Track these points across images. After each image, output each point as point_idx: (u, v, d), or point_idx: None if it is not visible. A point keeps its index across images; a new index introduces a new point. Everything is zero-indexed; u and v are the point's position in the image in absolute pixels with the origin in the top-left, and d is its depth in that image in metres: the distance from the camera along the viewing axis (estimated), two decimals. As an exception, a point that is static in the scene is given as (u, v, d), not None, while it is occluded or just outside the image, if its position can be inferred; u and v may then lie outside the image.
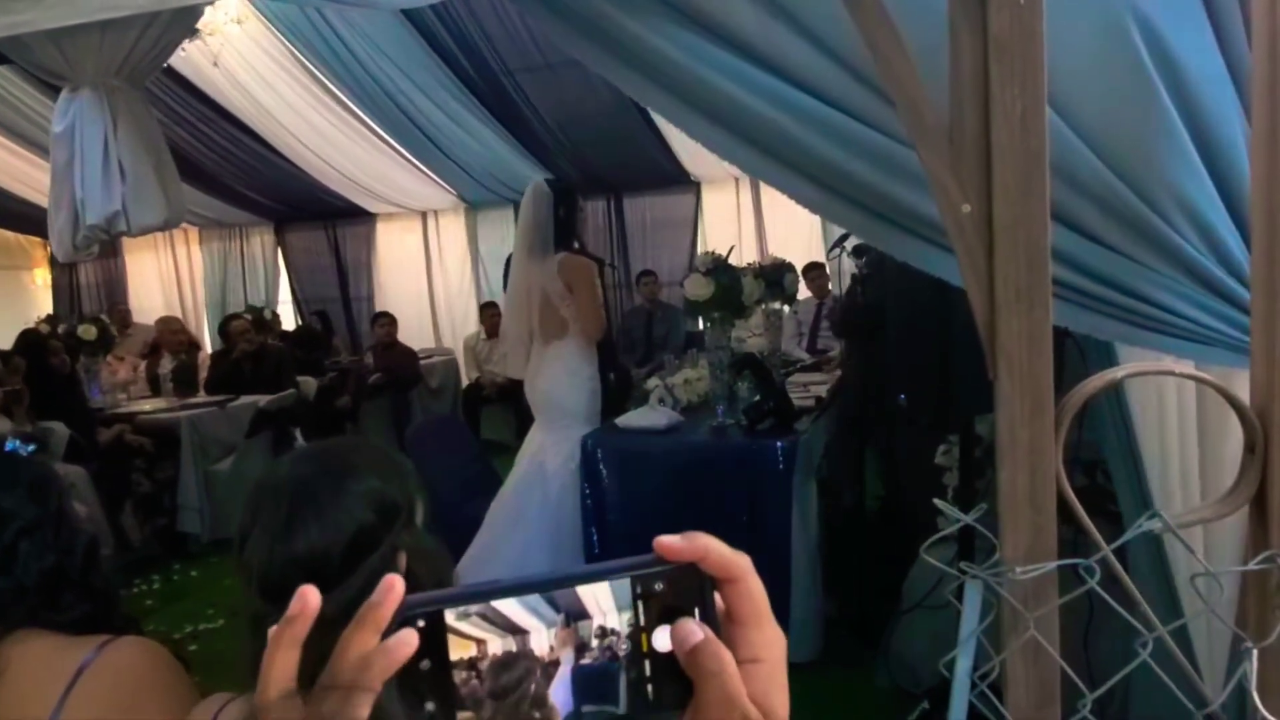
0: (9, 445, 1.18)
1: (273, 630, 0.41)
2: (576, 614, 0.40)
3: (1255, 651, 0.76)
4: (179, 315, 7.91)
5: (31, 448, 1.19)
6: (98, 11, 1.38)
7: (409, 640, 0.38)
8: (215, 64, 4.90)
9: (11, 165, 6.11)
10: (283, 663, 0.40)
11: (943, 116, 0.84)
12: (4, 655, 1.07)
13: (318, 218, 8.01)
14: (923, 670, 2.50)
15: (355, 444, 1.13)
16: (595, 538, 3.16)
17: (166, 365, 6.03)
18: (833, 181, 1.19)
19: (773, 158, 1.22)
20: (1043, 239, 0.79)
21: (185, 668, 1.20)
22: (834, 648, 3.00)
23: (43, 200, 6.40)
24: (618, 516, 3.15)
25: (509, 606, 0.40)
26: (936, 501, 0.86)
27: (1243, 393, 0.87)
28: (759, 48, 1.12)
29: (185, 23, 1.51)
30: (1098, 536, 0.79)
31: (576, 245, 3.38)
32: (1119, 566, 0.79)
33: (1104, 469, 2.37)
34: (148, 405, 5.26)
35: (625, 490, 3.15)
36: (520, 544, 3.22)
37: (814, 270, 6.13)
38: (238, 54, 4.89)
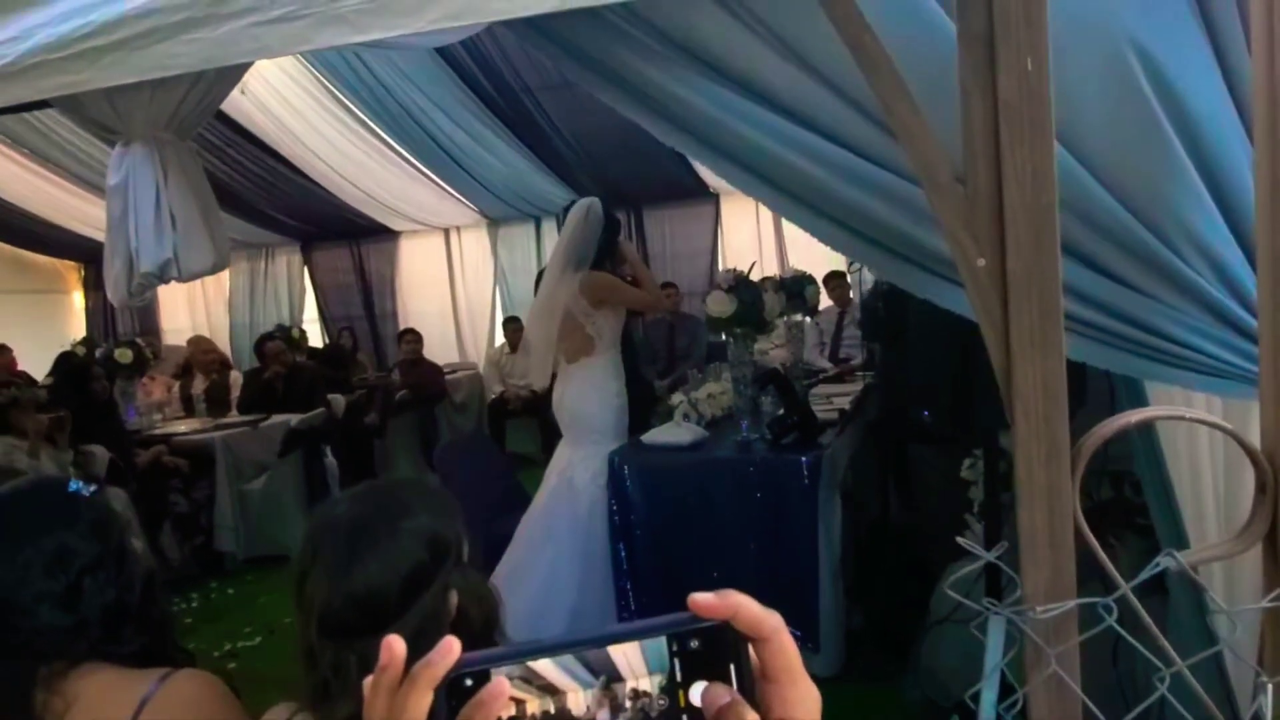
0: (72, 486, 1.24)
1: (367, 681, 0.44)
2: (612, 675, 0.42)
3: (1270, 686, 0.80)
4: (208, 335, 8.07)
5: (93, 488, 1.25)
6: (151, 71, 1.45)
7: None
8: (243, 92, 5.02)
9: (51, 195, 6.30)
10: (382, 709, 0.43)
11: (957, 171, 0.89)
12: (72, 688, 1.13)
13: (343, 236, 8.15)
14: (953, 684, 2.51)
15: (408, 483, 1.18)
16: (623, 553, 3.20)
17: (199, 385, 6.16)
18: (853, 221, 1.24)
19: (795, 199, 1.27)
20: (1055, 291, 0.83)
21: (236, 695, 1.26)
22: (862, 661, 3.02)
23: (78, 227, 6.59)
24: (645, 532, 3.19)
25: (547, 668, 0.42)
26: (960, 540, 0.90)
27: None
28: (784, 99, 1.17)
29: (231, 78, 1.59)
30: (1116, 576, 0.82)
31: (609, 266, 3.44)
32: (1138, 605, 0.83)
33: (1131, 481, 2.38)
34: (183, 426, 5.38)
35: (652, 506, 3.19)
36: (550, 560, 3.27)
37: (835, 279, 6.14)
38: (265, 82, 5.01)
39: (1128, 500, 2.34)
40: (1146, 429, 1.24)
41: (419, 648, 1.09)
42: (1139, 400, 1.31)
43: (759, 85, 1.18)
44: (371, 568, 0.98)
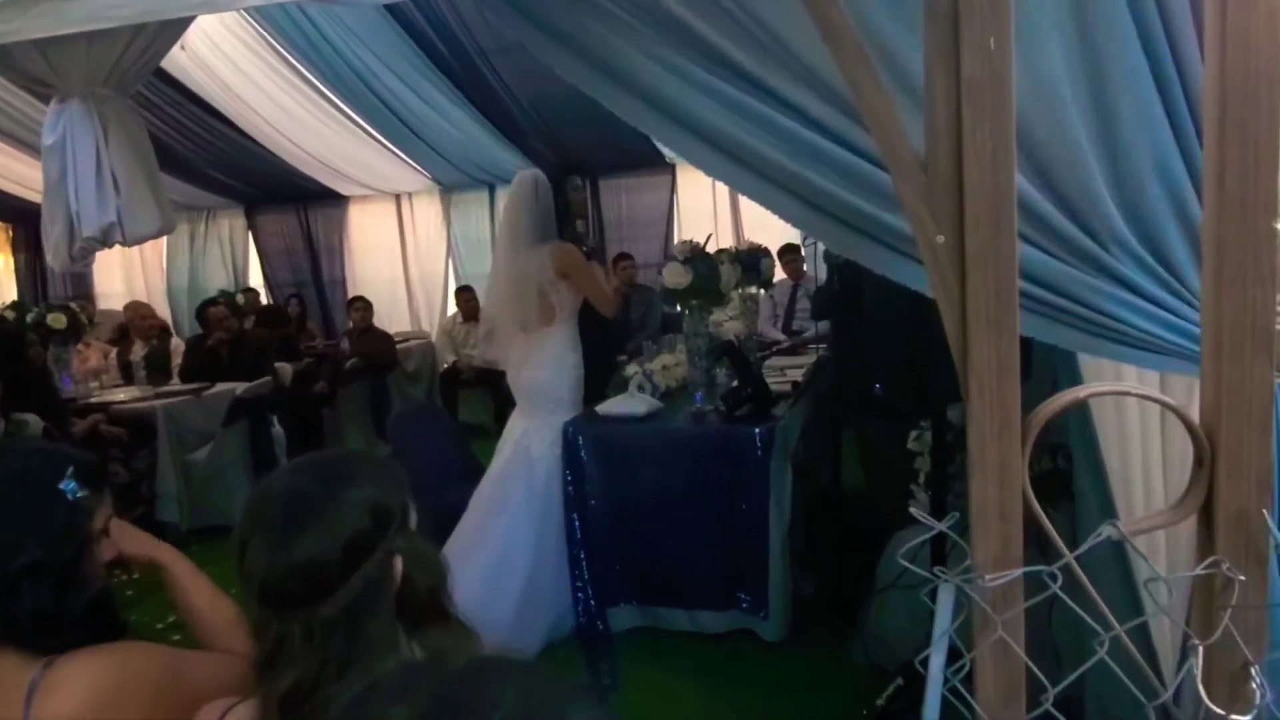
0: (64, 485, 1.15)
1: None
2: None
3: (1201, 649, 0.84)
4: (145, 299, 7.80)
5: (85, 493, 1.17)
6: (85, 22, 1.38)
7: None
8: (182, 47, 4.81)
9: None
10: None
11: (918, 150, 0.90)
12: None
13: (289, 200, 7.92)
14: (898, 648, 2.60)
15: (349, 454, 1.16)
16: (577, 523, 3.22)
17: (137, 352, 5.96)
18: (811, 197, 1.25)
19: (754, 173, 1.27)
20: (1011, 270, 0.85)
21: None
22: (812, 626, 3.10)
23: (6, 185, 6.21)
24: (599, 502, 3.21)
25: None
26: (913, 510, 0.93)
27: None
28: (748, 73, 1.17)
29: (173, 32, 1.52)
30: (1062, 546, 0.86)
31: (568, 234, 3.42)
32: (1081, 574, 0.86)
33: (1066, 453, 2.47)
34: (121, 394, 5.20)
35: (606, 476, 3.21)
36: (505, 530, 3.27)
37: (790, 253, 6.19)
38: (206, 37, 4.81)
39: (1063, 471, 2.43)
40: (1080, 405, 1.29)
41: (363, 615, 1.07)
42: (1074, 372, 1.35)
43: (723, 57, 1.17)
44: (311, 537, 0.96)
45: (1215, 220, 0.84)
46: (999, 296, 0.85)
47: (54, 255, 1.51)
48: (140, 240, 1.56)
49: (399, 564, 1.03)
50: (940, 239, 0.88)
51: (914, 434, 2.92)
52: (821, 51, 1.05)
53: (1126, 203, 1.12)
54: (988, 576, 0.85)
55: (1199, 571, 0.85)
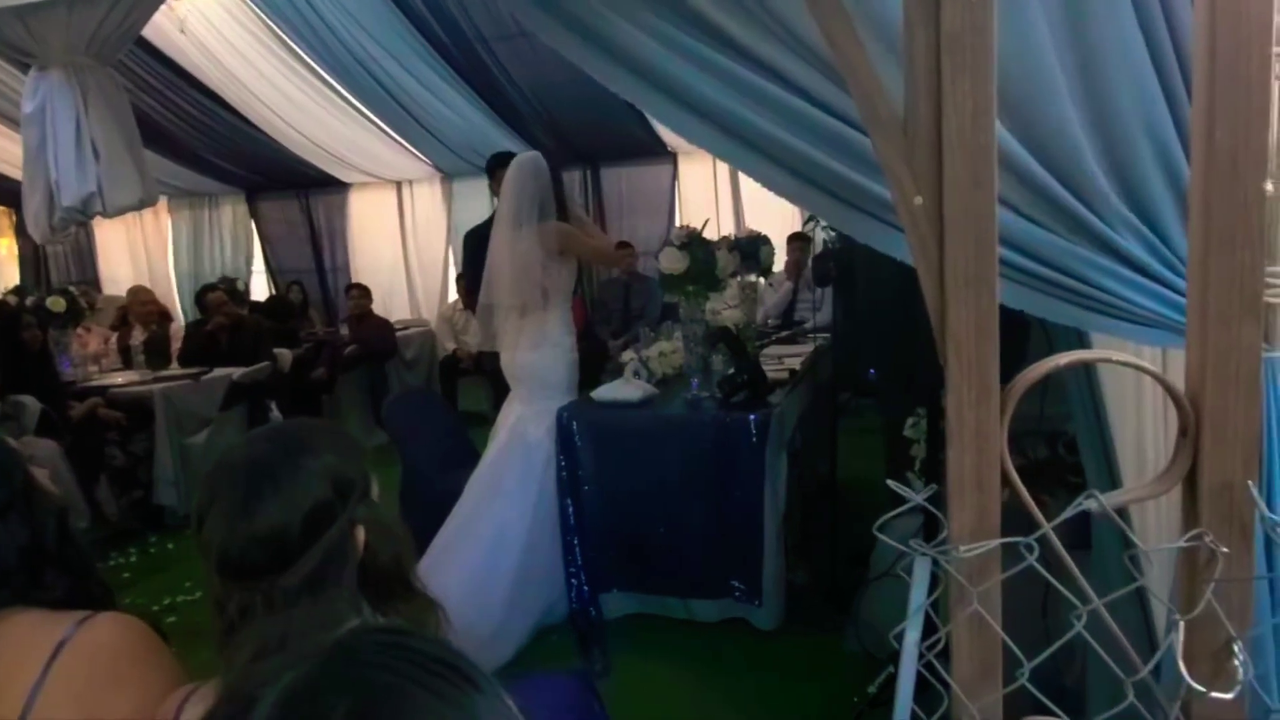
0: None
1: None
2: None
3: (1182, 623, 0.82)
4: (149, 285, 7.80)
5: None
6: (61, -14, 1.36)
7: None
8: (182, 30, 4.80)
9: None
10: None
11: (897, 110, 0.87)
12: None
13: (290, 187, 7.90)
14: (890, 637, 2.58)
15: (309, 424, 1.14)
16: (571, 509, 3.20)
17: (138, 337, 5.96)
18: (802, 169, 1.22)
19: (745, 145, 1.24)
20: (990, 231, 0.82)
21: (163, 639, 1.22)
22: (805, 615, 3.08)
23: (5, 169, 6.20)
24: (593, 488, 3.19)
25: None
26: (890, 483, 0.90)
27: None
28: (737, 41, 1.14)
29: (152, 1, 1.49)
30: (1039, 515, 0.83)
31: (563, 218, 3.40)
32: (1058, 544, 0.84)
33: (1065, 441, 2.44)
34: (120, 378, 5.21)
35: (600, 462, 3.19)
36: (498, 516, 3.25)
37: (797, 241, 6.15)
38: (204, 19, 4.78)
39: (1061, 460, 2.40)
40: (1087, 379, 1.26)
41: (325, 584, 1.05)
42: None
43: (709, 23, 1.14)
44: (270, 506, 0.95)
45: (1204, 177, 0.81)
46: (978, 256, 0.82)
47: (34, 226, 1.49)
48: (121, 211, 1.54)
49: (361, 534, 1.01)
50: (919, 200, 0.85)
51: (910, 420, 2.89)
52: (807, 15, 1.02)
53: (1114, 164, 1.09)
54: (963, 547, 0.82)
55: (1181, 544, 0.82)
